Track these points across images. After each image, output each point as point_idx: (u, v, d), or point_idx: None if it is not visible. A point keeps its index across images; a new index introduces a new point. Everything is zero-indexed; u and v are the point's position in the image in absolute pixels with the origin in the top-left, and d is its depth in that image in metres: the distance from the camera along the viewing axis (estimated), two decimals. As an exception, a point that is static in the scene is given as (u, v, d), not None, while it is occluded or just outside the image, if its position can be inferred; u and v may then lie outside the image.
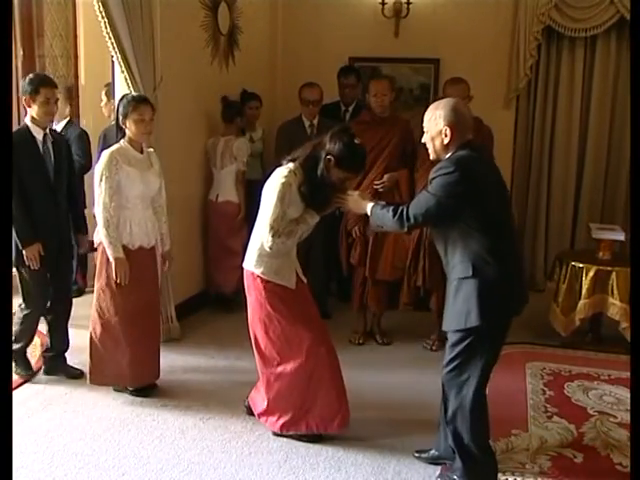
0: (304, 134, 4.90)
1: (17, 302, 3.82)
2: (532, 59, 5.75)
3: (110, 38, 4.00)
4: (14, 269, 3.82)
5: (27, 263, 3.75)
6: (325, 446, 3.33)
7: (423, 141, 2.94)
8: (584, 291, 4.53)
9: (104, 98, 5.18)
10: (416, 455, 3.24)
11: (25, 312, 3.91)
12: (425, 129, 2.90)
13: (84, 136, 5.38)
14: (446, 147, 2.82)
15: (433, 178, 2.79)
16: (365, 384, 4.03)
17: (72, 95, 5.95)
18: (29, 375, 4.01)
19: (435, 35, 5.87)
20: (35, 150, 3.77)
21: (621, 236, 4.71)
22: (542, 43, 5.76)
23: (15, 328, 3.91)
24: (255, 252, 3.25)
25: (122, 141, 3.66)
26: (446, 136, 2.80)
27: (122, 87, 4.26)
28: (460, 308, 2.79)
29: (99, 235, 3.66)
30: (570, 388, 4.05)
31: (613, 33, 5.62)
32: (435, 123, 2.82)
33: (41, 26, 6.61)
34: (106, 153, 3.61)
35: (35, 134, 3.77)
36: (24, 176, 3.69)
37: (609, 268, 4.51)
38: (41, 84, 3.71)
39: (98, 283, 3.70)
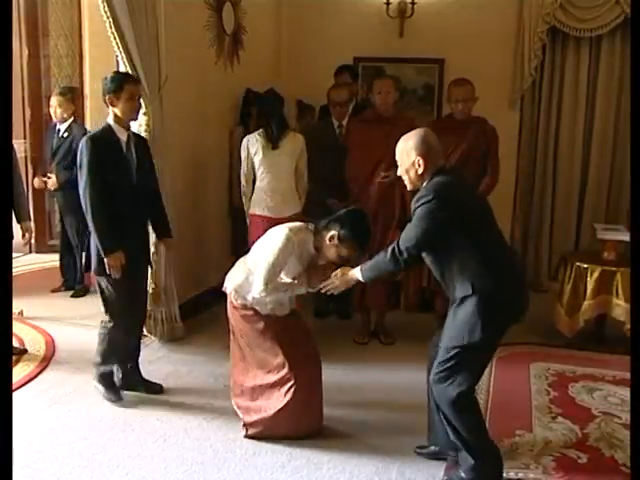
0: (333, 136, 4.91)
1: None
2: (537, 59, 5.74)
3: (115, 38, 4.01)
4: (97, 281, 3.67)
5: (108, 272, 3.54)
6: (329, 446, 3.33)
7: (398, 174, 3.03)
8: (589, 292, 4.53)
9: (108, 98, 5.17)
10: (417, 451, 3.25)
11: (109, 325, 3.68)
12: (398, 163, 3.00)
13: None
14: (421, 176, 2.92)
15: (415, 209, 2.86)
16: (369, 384, 4.03)
17: (74, 95, 5.98)
18: (119, 400, 3.72)
19: (440, 35, 5.87)
20: (119, 151, 3.60)
21: (626, 236, 4.70)
22: (547, 43, 5.75)
23: (100, 347, 3.73)
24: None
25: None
26: (419, 166, 2.89)
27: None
28: (462, 325, 2.83)
29: None
30: (574, 389, 4.04)
31: (618, 33, 5.62)
32: (407, 155, 2.93)
33: (46, 26, 6.64)
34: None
35: (119, 134, 3.61)
36: (107, 179, 3.50)
37: (614, 269, 4.50)
38: (124, 81, 3.59)
39: None
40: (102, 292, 3.68)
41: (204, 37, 5.08)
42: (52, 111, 5.57)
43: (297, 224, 3.28)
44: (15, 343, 4.39)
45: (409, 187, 3.00)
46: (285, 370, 3.27)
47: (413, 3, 5.83)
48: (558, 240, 6.04)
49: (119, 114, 3.59)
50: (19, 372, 4.04)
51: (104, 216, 3.50)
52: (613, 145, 5.83)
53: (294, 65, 6.22)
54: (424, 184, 2.91)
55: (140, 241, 3.78)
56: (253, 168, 4.52)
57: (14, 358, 4.14)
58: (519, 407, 3.78)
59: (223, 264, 5.26)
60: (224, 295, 3.41)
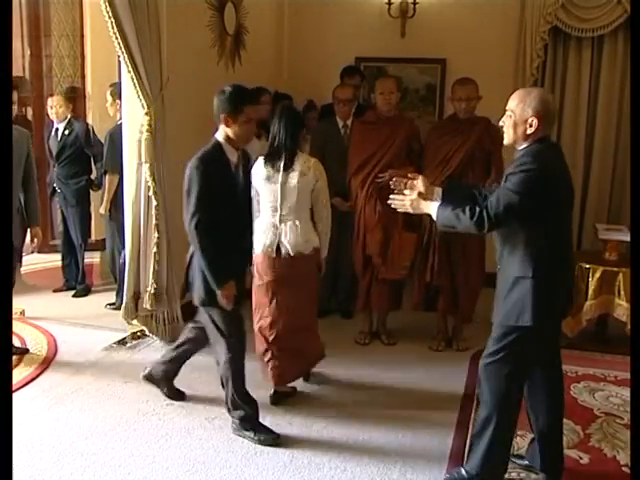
0: (338, 134, 4.92)
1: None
2: (539, 59, 5.73)
3: (117, 38, 4.01)
4: (204, 311, 3.36)
5: (220, 304, 3.26)
6: (330, 447, 3.33)
7: (501, 124, 2.85)
8: (590, 292, 4.52)
9: (109, 98, 5.20)
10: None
11: (225, 358, 3.37)
12: (509, 113, 2.80)
13: (90, 129, 5.66)
14: (527, 137, 2.76)
15: (512, 173, 2.72)
16: (371, 384, 4.03)
17: (75, 95, 6.00)
18: (277, 438, 3.37)
19: (441, 35, 5.86)
20: (228, 173, 3.28)
21: (628, 237, 4.69)
22: (549, 43, 5.74)
23: (231, 390, 3.39)
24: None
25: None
26: (531, 126, 2.73)
27: (128, 87, 4.27)
28: (514, 305, 2.77)
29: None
30: (576, 389, 4.04)
31: (620, 33, 5.60)
32: (523, 110, 2.74)
33: (48, 26, 6.66)
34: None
35: (229, 155, 3.29)
36: (216, 204, 3.19)
37: (616, 269, 4.50)
38: (244, 102, 3.26)
39: None
40: (216, 325, 3.36)
41: (206, 37, 5.07)
42: (52, 111, 5.57)
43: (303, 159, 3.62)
44: (17, 343, 4.40)
45: (506, 141, 2.84)
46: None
47: (415, 3, 5.82)
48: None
49: (232, 136, 3.27)
50: (20, 372, 4.04)
51: (215, 249, 3.21)
52: (615, 145, 5.82)
53: (296, 65, 6.22)
54: (523, 146, 2.77)
55: (244, 265, 3.58)
56: None
57: (16, 358, 4.14)
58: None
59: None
60: None
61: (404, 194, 3.01)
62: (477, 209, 2.73)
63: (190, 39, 4.80)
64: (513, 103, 2.80)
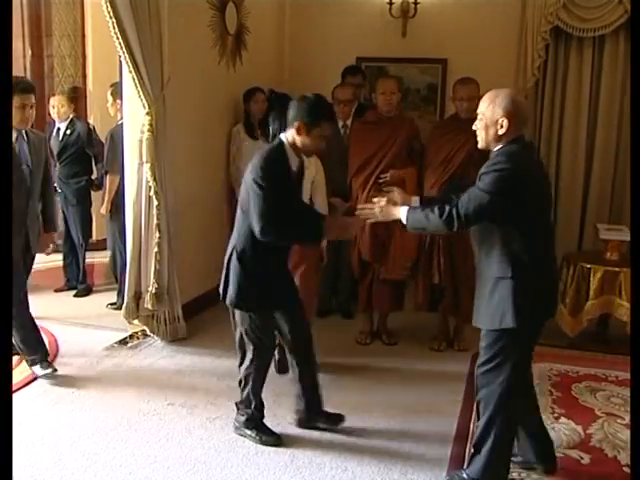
0: (337, 135, 4.91)
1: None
2: (540, 59, 5.72)
3: (118, 38, 4.01)
4: (237, 313, 3.29)
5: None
6: (331, 447, 3.33)
7: (474, 128, 2.85)
8: (592, 292, 4.52)
9: (110, 98, 5.20)
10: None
11: (252, 359, 3.33)
12: (480, 116, 2.80)
13: (92, 129, 5.70)
14: (499, 138, 2.75)
15: (485, 173, 2.71)
16: (371, 384, 4.03)
17: (77, 95, 6.01)
18: (279, 439, 3.38)
19: (443, 35, 5.85)
20: (288, 177, 3.19)
21: (629, 237, 4.69)
22: (550, 43, 5.73)
23: (245, 391, 3.38)
24: None
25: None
26: (502, 127, 2.72)
27: (129, 87, 4.27)
28: (495, 308, 2.77)
29: None
30: (577, 389, 4.04)
31: (622, 33, 5.59)
32: (492, 112, 2.74)
33: (49, 26, 6.66)
34: None
35: (291, 160, 3.18)
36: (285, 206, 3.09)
37: (617, 269, 4.50)
38: (324, 117, 3.14)
39: None
40: (247, 326, 3.29)
41: (207, 37, 5.08)
42: (54, 111, 5.58)
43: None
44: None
45: (480, 145, 2.84)
46: None
47: (416, 3, 5.82)
48: (561, 240, 6.00)
49: (299, 145, 3.16)
50: (22, 371, 4.03)
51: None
52: (616, 145, 5.81)
53: (297, 65, 6.22)
54: (498, 148, 2.76)
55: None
56: None
57: (17, 358, 4.14)
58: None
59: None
60: None
61: (373, 202, 3.02)
62: (447, 208, 2.73)
63: (191, 39, 4.80)
64: (483, 105, 2.80)
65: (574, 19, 5.60)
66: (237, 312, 3.31)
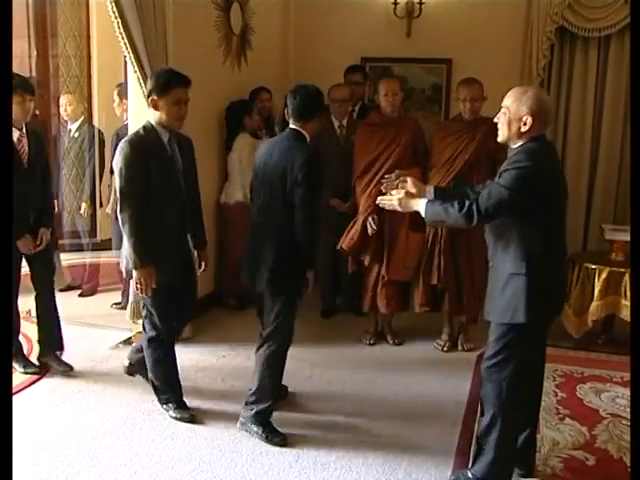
0: (334, 134, 4.91)
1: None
2: (545, 59, 5.72)
3: (123, 38, 4.01)
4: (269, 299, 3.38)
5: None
6: (335, 447, 3.33)
7: (495, 120, 2.85)
8: (597, 293, 4.51)
9: (116, 98, 5.21)
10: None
11: (280, 344, 3.38)
12: (504, 110, 2.80)
13: (100, 137, 5.67)
14: (521, 135, 2.76)
15: (506, 170, 2.72)
16: (376, 384, 4.03)
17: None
18: (283, 441, 3.36)
19: (447, 35, 5.85)
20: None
21: (634, 237, 4.68)
22: (555, 43, 5.73)
23: (263, 382, 3.39)
24: None
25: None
26: (525, 124, 2.74)
27: (135, 87, 4.28)
28: (508, 303, 2.78)
29: None
30: (582, 390, 4.03)
31: (627, 33, 5.57)
32: (517, 108, 2.75)
33: (55, 26, 6.66)
34: None
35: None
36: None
37: (622, 269, 4.49)
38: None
39: None
40: (279, 311, 3.36)
41: (212, 37, 5.08)
42: (62, 110, 5.63)
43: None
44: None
45: (500, 139, 2.84)
46: None
47: (421, 3, 5.82)
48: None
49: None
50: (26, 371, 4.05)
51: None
52: (621, 145, 5.80)
53: (301, 65, 6.21)
54: (518, 145, 2.77)
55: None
56: None
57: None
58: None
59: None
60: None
61: (392, 194, 3.03)
62: (467, 202, 2.74)
63: (196, 39, 4.80)
64: (508, 100, 2.81)
65: (579, 19, 5.59)
66: (283, 301, 3.36)
